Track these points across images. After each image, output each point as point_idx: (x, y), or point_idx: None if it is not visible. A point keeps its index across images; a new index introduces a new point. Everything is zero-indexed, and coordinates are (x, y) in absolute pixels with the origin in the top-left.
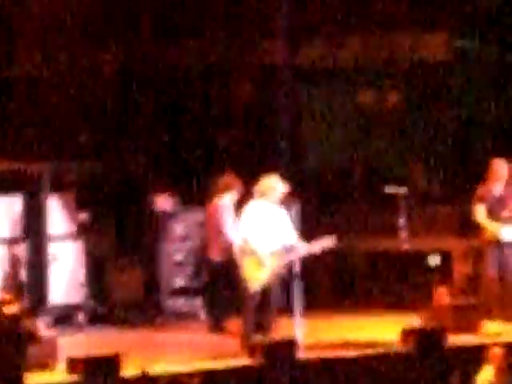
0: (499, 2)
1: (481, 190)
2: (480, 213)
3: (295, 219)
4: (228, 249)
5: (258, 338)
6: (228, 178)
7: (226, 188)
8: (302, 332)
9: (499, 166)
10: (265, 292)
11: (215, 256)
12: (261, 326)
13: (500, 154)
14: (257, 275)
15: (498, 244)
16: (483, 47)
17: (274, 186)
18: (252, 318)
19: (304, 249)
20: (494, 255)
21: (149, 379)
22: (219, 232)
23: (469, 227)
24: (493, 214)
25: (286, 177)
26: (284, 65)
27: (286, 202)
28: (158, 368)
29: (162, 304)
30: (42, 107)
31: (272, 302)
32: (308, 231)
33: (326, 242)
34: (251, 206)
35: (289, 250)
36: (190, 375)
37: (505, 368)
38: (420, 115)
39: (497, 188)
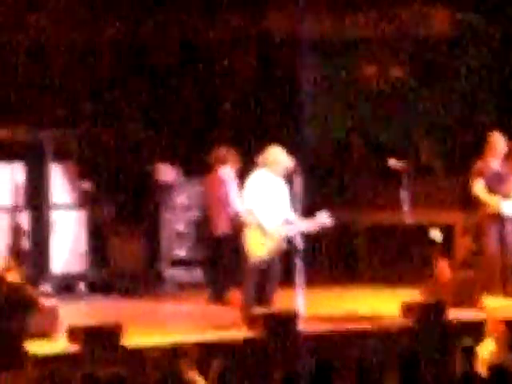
0: None
1: (479, 165)
2: (479, 187)
3: (297, 192)
4: (234, 220)
5: (258, 309)
6: (223, 151)
7: (222, 161)
8: (303, 305)
9: (497, 140)
10: (267, 264)
11: (221, 228)
12: (262, 299)
13: (504, 129)
14: (259, 247)
15: (499, 218)
16: (487, 22)
17: (279, 157)
18: (252, 290)
19: (301, 226)
20: (495, 230)
21: (149, 349)
22: (224, 204)
23: (471, 201)
24: (491, 188)
25: (288, 150)
26: (287, 38)
27: (288, 174)
28: (158, 338)
29: (162, 274)
30: (45, 75)
31: (273, 274)
32: (309, 205)
33: (323, 221)
34: (255, 177)
35: (291, 222)
36: (190, 346)
37: (504, 344)
38: (424, 90)
39: (495, 163)
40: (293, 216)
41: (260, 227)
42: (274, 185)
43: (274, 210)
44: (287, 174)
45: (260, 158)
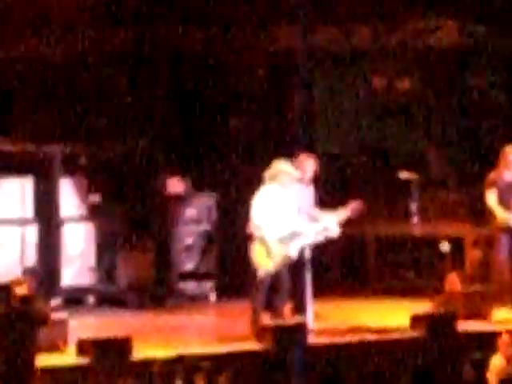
0: None
1: (492, 176)
2: (491, 199)
3: (309, 203)
4: None
5: (267, 322)
6: None
7: None
8: (312, 317)
9: (510, 152)
10: (275, 278)
11: None
12: (272, 311)
13: None
14: (266, 261)
15: (509, 231)
16: (496, 33)
17: (284, 170)
18: (261, 303)
19: (311, 235)
20: (505, 242)
21: (158, 362)
22: None
23: (481, 214)
24: (504, 200)
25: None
26: (297, 50)
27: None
28: (168, 351)
29: (172, 287)
30: (55, 89)
31: (282, 287)
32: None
33: (333, 231)
34: (262, 192)
35: (299, 235)
36: (200, 358)
37: None
38: (433, 101)
39: (508, 174)
40: (303, 227)
41: (265, 242)
42: (281, 198)
43: (281, 223)
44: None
45: (266, 173)
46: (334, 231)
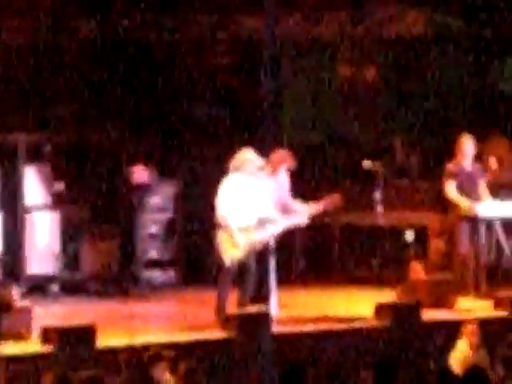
0: None
1: (450, 167)
2: (451, 189)
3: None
4: None
5: (231, 311)
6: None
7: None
8: (277, 306)
9: (466, 142)
10: (241, 267)
11: None
12: (238, 300)
13: (479, 130)
14: (232, 250)
15: (471, 220)
16: (461, 23)
17: (248, 158)
18: (227, 292)
19: (281, 222)
20: (467, 231)
21: (123, 350)
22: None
23: (445, 203)
24: (464, 190)
25: (263, 152)
26: (262, 39)
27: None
28: (132, 339)
29: (136, 275)
30: (19, 77)
31: (248, 276)
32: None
33: (302, 217)
34: (227, 181)
35: (266, 222)
36: (164, 347)
37: (478, 343)
38: (398, 90)
39: (466, 164)
40: (272, 214)
41: (230, 232)
42: (247, 186)
43: (247, 213)
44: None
45: (231, 162)
46: (303, 220)
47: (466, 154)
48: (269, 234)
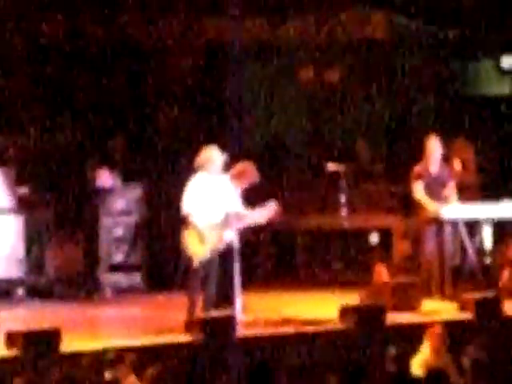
0: None
1: (417, 169)
2: (418, 190)
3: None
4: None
5: (196, 314)
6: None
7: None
8: (241, 308)
9: (433, 144)
10: (207, 266)
11: None
12: (218, 302)
13: (443, 132)
14: (199, 249)
15: (437, 222)
16: (422, 25)
17: (212, 157)
18: (197, 293)
19: (248, 216)
20: (433, 233)
21: (87, 354)
22: None
23: (410, 205)
24: (431, 192)
25: (228, 154)
26: (227, 41)
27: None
28: (96, 343)
29: (101, 279)
30: None
31: (211, 277)
32: (251, 207)
33: (269, 211)
34: (193, 180)
35: (232, 217)
36: (128, 351)
37: (441, 346)
38: (361, 93)
39: (433, 166)
40: (239, 208)
41: (197, 230)
42: (212, 185)
43: (213, 211)
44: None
45: (195, 161)
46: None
47: (432, 156)
48: (235, 231)
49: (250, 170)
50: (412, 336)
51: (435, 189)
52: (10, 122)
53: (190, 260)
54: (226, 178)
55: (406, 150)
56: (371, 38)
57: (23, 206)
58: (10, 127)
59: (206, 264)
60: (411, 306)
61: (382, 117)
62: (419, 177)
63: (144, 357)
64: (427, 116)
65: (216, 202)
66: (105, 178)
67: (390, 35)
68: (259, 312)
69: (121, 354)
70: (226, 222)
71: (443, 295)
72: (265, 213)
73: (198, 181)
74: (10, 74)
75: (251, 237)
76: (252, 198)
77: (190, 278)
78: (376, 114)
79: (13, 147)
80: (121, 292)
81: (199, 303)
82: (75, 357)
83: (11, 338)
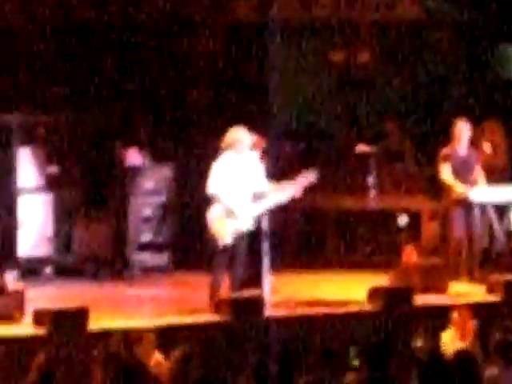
0: None
1: (445, 151)
2: (446, 173)
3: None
4: None
5: (224, 294)
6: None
7: None
8: (270, 289)
9: (461, 127)
10: (233, 248)
11: None
12: (246, 281)
13: (472, 114)
14: (224, 230)
15: (465, 204)
16: (454, 7)
17: (240, 136)
18: (221, 274)
19: (276, 195)
20: (461, 216)
21: (115, 333)
22: None
23: (439, 187)
24: (459, 175)
25: (258, 134)
26: (255, 22)
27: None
28: (124, 322)
29: (129, 258)
30: (14, 58)
31: (239, 258)
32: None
33: (295, 191)
34: (219, 161)
35: (260, 196)
36: (155, 330)
37: (469, 328)
38: (392, 75)
39: (461, 149)
40: (267, 187)
41: (223, 210)
42: (239, 165)
43: (241, 191)
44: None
45: (222, 141)
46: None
47: (461, 138)
48: (264, 211)
49: (260, 140)
50: (440, 318)
51: (462, 171)
52: (40, 102)
53: (214, 240)
54: (254, 157)
55: (436, 131)
56: (403, 18)
57: (52, 184)
58: (40, 107)
59: (233, 244)
60: (439, 288)
61: (413, 98)
62: (447, 159)
63: (171, 336)
64: (458, 98)
65: (244, 182)
66: (134, 158)
67: (421, 16)
68: (288, 293)
69: (147, 333)
70: (254, 202)
71: (471, 277)
72: (293, 189)
73: (226, 160)
74: (40, 53)
75: (280, 217)
76: (282, 178)
77: (215, 257)
78: (406, 96)
79: (42, 126)
80: (148, 271)
81: (223, 283)
82: (103, 336)
83: (39, 317)
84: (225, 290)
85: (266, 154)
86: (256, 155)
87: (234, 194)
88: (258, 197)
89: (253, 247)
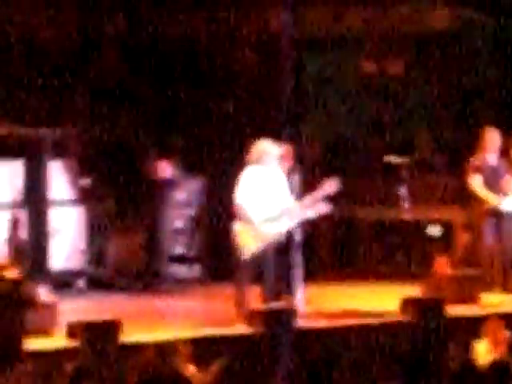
0: None
1: (475, 160)
2: (476, 183)
3: (296, 188)
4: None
5: (256, 305)
6: None
7: None
8: (302, 300)
9: (492, 136)
10: (261, 260)
11: None
12: (279, 294)
13: (503, 124)
14: (251, 243)
15: (497, 214)
16: (486, 18)
17: (267, 149)
18: (246, 286)
19: (301, 212)
20: (492, 226)
21: (148, 346)
22: None
23: (470, 197)
24: (489, 184)
25: (287, 145)
26: (287, 33)
27: (288, 170)
28: (157, 335)
29: (161, 270)
30: (46, 72)
31: (268, 269)
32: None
33: (323, 208)
34: (246, 173)
35: (286, 213)
36: (188, 342)
37: (502, 339)
38: (423, 85)
39: (491, 158)
40: (292, 204)
41: (250, 223)
42: (266, 178)
43: (267, 204)
44: (287, 169)
45: (249, 154)
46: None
47: (491, 148)
48: (289, 226)
49: (289, 152)
50: (472, 329)
51: (493, 181)
52: (73, 114)
53: (240, 252)
54: (280, 171)
55: (468, 142)
56: (434, 30)
57: (85, 197)
58: (72, 120)
59: (260, 257)
60: (472, 299)
61: (445, 108)
62: (477, 169)
63: (204, 348)
64: (489, 108)
65: (271, 195)
66: (165, 170)
67: (454, 26)
68: (320, 304)
69: (181, 345)
70: (281, 216)
71: (504, 288)
72: (321, 207)
73: (252, 173)
74: (72, 67)
75: (312, 228)
76: (312, 189)
77: (239, 269)
78: (438, 106)
79: (74, 139)
80: (181, 283)
81: (248, 295)
82: (135, 348)
83: (72, 330)
84: (254, 302)
85: (296, 164)
86: (282, 169)
87: (260, 208)
88: (285, 213)
89: (285, 258)
